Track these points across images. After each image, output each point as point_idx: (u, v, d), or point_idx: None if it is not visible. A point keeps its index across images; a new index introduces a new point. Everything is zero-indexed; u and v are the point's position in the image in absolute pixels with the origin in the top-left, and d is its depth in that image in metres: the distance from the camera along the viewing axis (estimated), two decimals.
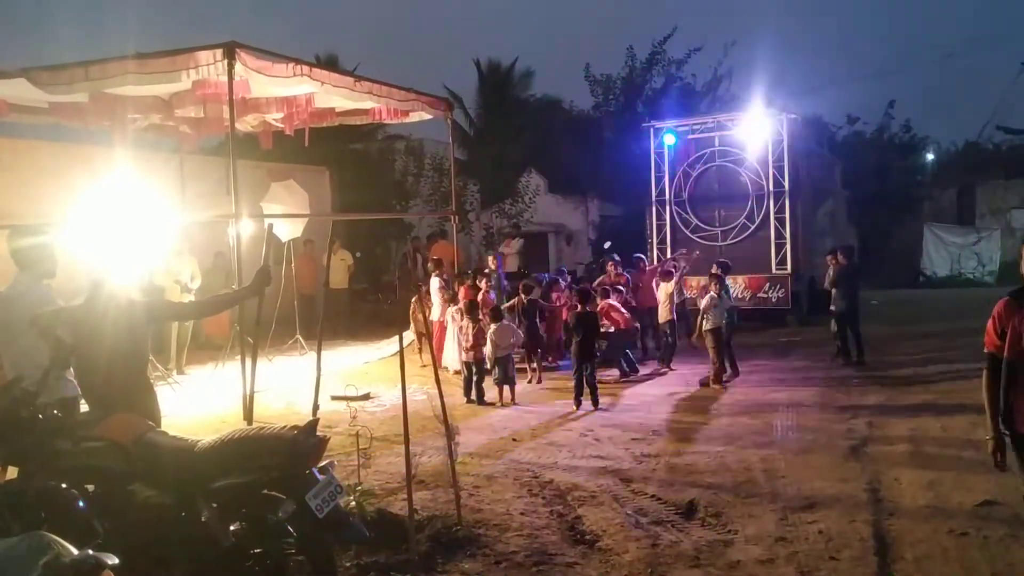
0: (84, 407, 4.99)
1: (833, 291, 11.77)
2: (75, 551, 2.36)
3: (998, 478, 6.30)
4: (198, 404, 9.73)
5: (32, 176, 11.91)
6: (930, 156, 36.22)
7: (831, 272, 12.05)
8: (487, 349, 9.84)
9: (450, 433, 5.54)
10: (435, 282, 12.38)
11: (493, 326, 9.92)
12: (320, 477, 3.99)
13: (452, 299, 11.15)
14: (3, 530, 3.83)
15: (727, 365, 10.71)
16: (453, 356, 11.23)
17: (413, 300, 11.43)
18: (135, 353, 5.04)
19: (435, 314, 12.00)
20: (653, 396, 10.20)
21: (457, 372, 10.97)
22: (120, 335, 4.97)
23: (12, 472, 4.34)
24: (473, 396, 9.85)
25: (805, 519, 5.64)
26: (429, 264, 13.58)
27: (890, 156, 30.48)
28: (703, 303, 10.71)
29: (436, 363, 6.04)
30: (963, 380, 10.16)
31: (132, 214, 9.31)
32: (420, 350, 12.24)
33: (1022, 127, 33.35)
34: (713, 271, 11.27)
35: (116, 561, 2.33)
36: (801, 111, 19.27)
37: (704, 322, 10.55)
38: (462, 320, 10.36)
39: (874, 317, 16.25)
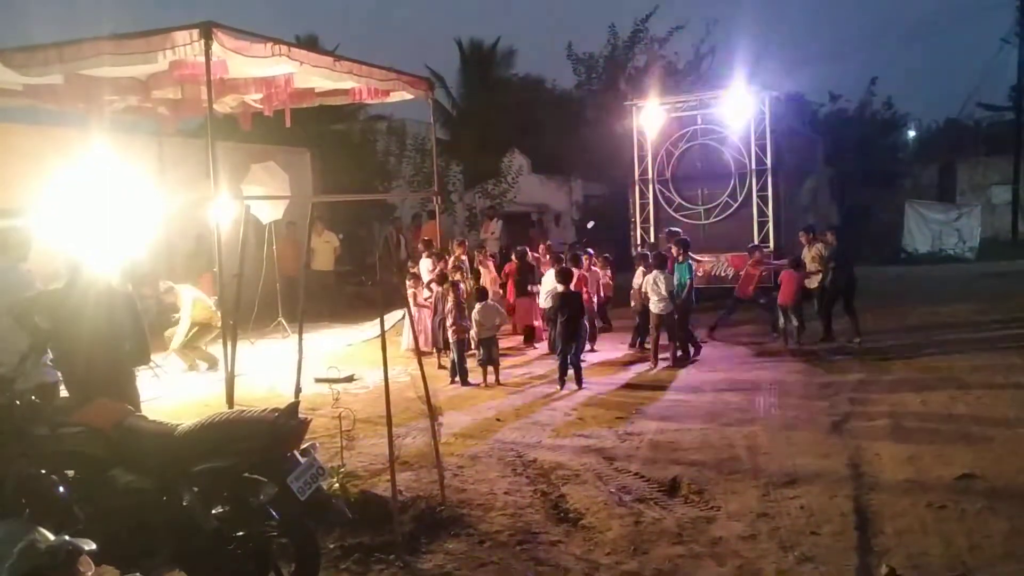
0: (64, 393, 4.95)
1: (827, 270, 11.72)
2: (52, 537, 2.34)
3: (977, 451, 6.42)
4: (180, 388, 9.68)
5: (6, 159, 11.74)
6: (911, 133, 36.44)
7: (808, 251, 12.09)
8: (472, 330, 9.82)
9: (433, 414, 5.54)
10: (426, 263, 12.31)
11: (478, 305, 9.89)
12: (302, 460, 3.98)
13: (441, 279, 11.04)
14: None
15: (679, 345, 10.83)
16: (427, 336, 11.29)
17: (408, 282, 11.39)
18: (114, 338, 5.01)
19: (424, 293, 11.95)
20: (637, 376, 10.23)
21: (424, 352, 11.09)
22: (99, 320, 4.94)
23: None
24: (457, 378, 9.84)
25: (787, 495, 5.68)
26: (420, 244, 13.50)
27: (872, 133, 30.59)
28: (645, 285, 10.81)
29: (418, 344, 6.02)
30: (943, 356, 10.28)
31: (110, 197, 9.22)
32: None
33: (1003, 103, 33.54)
34: (672, 250, 11.43)
35: (93, 547, 2.32)
36: (783, 89, 19.30)
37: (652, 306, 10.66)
38: (444, 300, 10.36)
39: (857, 292, 16.36)
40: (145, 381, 9.41)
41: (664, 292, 10.43)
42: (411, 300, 11.48)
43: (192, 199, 11.36)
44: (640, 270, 11.62)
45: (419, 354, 5.73)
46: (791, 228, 16.15)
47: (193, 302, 10.54)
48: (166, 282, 11.02)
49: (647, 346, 11.03)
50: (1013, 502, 5.37)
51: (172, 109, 12.43)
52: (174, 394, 9.32)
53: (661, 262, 10.76)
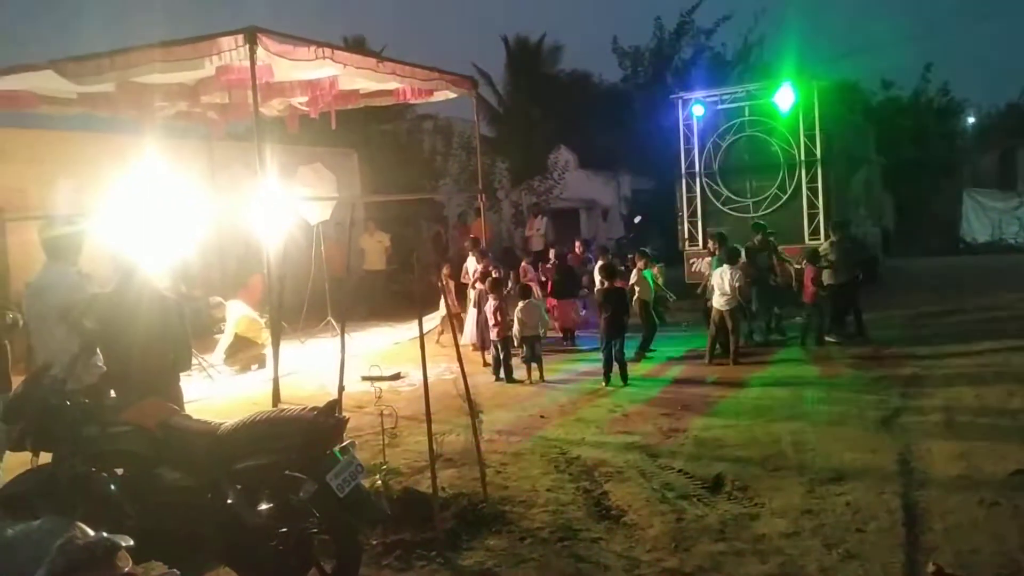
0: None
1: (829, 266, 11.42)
2: (92, 533, 2.41)
3: None
4: (231, 388, 9.88)
5: (63, 166, 12.09)
6: (970, 119, 35.40)
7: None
8: (515, 327, 9.84)
9: (473, 411, 5.57)
10: (471, 261, 12.35)
11: (521, 303, 9.91)
12: (340, 457, 4.04)
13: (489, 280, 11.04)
14: (36, 515, 3.94)
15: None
16: (471, 331, 11.39)
17: (443, 281, 11.47)
18: (160, 342, 5.13)
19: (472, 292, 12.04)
20: (682, 372, 10.15)
21: (475, 347, 11.11)
22: (146, 324, 5.07)
23: (45, 457, 4.45)
24: (502, 375, 9.87)
25: (833, 491, 5.59)
26: (467, 242, 13.54)
27: (927, 121, 29.81)
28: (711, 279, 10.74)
29: (457, 342, 6.05)
30: (1001, 349, 9.99)
31: (163, 201, 9.46)
32: (441, 331, 12.18)
33: None
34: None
35: (131, 542, 2.38)
36: (834, 77, 18.91)
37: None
38: (486, 298, 10.40)
39: (913, 284, 16.02)
40: (198, 381, 9.68)
41: (727, 288, 10.26)
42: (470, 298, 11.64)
43: (242, 201, 11.59)
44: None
45: (459, 351, 5.75)
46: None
47: (238, 320, 10.85)
48: (216, 297, 11.31)
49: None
50: None
51: (220, 113, 12.67)
52: (225, 393, 9.52)
53: (731, 256, 10.58)
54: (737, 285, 10.20)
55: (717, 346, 10.40)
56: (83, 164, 12.00)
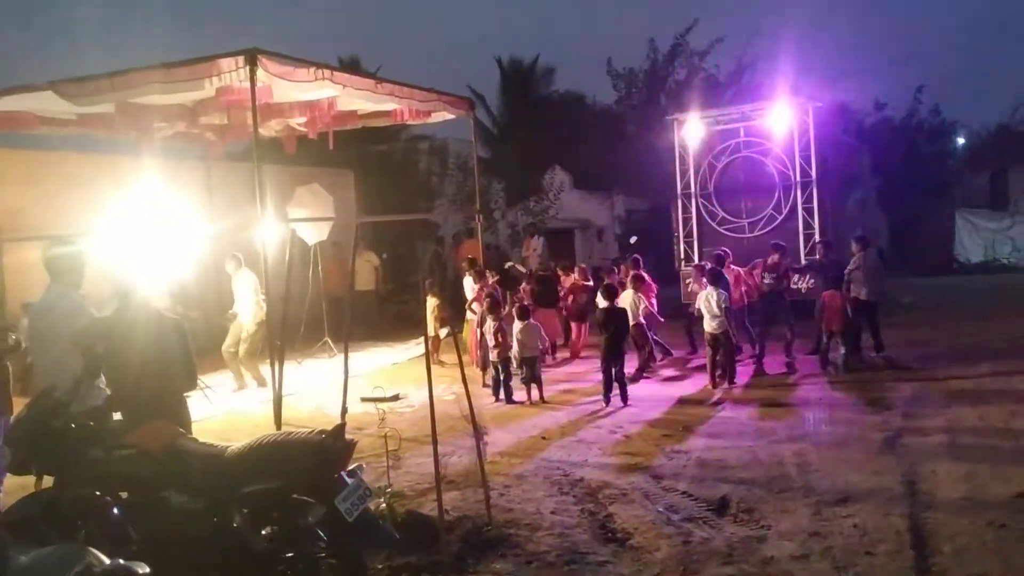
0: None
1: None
2: (107, 561, 2.38)
3: None
4: (229, 408, 9.81)
5: (61, 187, 12.07)
6: (961, 140, 35.61)
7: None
8: (514, 348, 9.81)
9: (478, 433, 5.54)
10: (468, 281, 12.32)
11: (519, 324, 9.88)
12: (349, 481, 4.00)
13: (488, 300, 11.01)
14: (41, 540, 3.89)
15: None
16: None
17: (434, 303, 11.48)
18: (164, 363, 5.10)
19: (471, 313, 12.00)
20: (683, 392, 10.12)
21: (476, 367, 11.10)
22: (149, 345, 5.04)
23: (48, 481, 4.40)
24: (502, 396, 9.83)
25: (839, 513, 5.57)
26: (463, 263, 13.53)
27: (919, 141, 29.97)
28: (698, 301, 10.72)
29: (462, 363, 6.02)
30: (1000, 370, 9.99)
31: (161, 222, 9.43)
32: (435, 350, 12.15)
33: None
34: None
35: (147, 570, 2.35)
36: (827, 98, 19.03)
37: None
38: (484, 320, 10.37)
39: (909, 304, 16.03)
40: (196, 402, 9.60)
41: (716, 310, 10.24)
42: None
43: (240, 222, 11.57)
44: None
45: (464, 373, 5.72)
46: (839, 240, 15.90)
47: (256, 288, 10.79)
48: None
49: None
50: None
51: (219, 134, 12.69)
52: (223, 414, 9.45)
53: (715, 278, 10.56)
54: (725, 307, 10.18)
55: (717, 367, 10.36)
56: (81, 184, 11.99)
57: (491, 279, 12.30)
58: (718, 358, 10.19)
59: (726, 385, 10.10)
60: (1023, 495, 5.68)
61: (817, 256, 11.80)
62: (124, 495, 4.26)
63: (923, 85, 30.11)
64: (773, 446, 7.33)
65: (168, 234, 9.46)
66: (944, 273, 23.60)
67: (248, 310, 10.86)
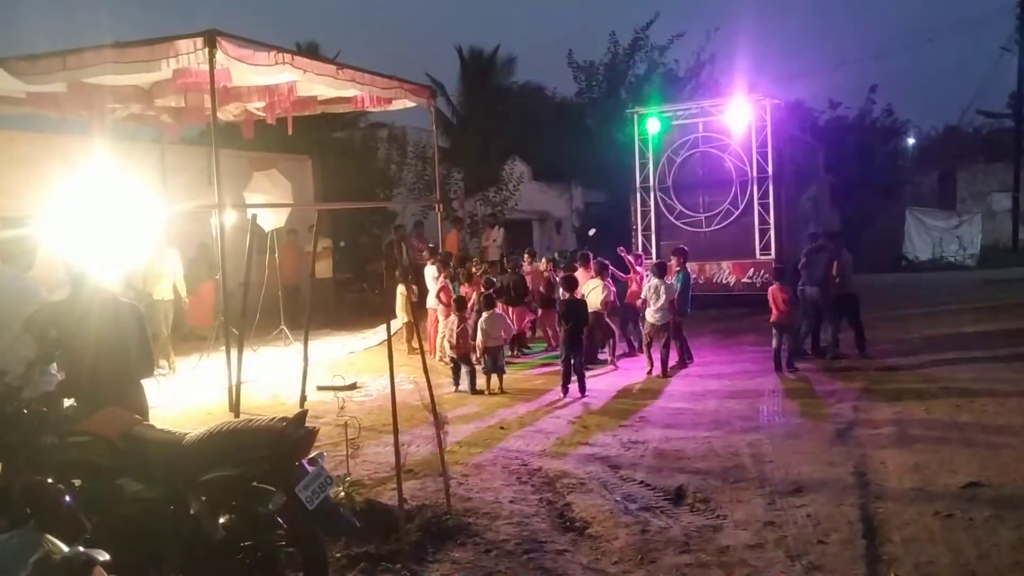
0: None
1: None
2: (65, 548, 2.33)
3: (982, 460, 6.41)
4: (184, 396, 9.66)
5: (10, 167, 11.74)
6: (911, 140, 36.42)
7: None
8: (477, 338, 9.80)
9: (439, 422, 5.53)
10: (431, 270, 12.26)
11: (485, 314, 9.88)
12: (310, 469, 3.97)
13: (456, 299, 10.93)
14: None
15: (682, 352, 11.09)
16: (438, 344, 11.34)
17: (401, 289, 11.40)
18: (120, 347, 5.00)
19: (430, 301, 11.95)
20: (639, 383, 10.22)
21: (443, 360, 11.04)
22: (104, 329, 4.93)
23: None
24: (464, 387, 9.80)
25: (793, 503, 5.67)
26: (424, 252, 13.46)
27: (872, 140, 30.58)
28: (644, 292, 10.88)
29: (423, 352, 6.01)
30: (946, 364, 10.26)
31: (113, 205, 9.23)
32: (409, 338, 12.19)
33: (1002, 111, 33.62)
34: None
35: (107, 557, 2.31)
36: (784, 96, 19.32)
37: None
38: (448, 315, 10.34)
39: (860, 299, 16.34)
40: (150, 388, 9.43)
41: (662, 302, 10.37)
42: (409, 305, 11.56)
43: (195, 207, 11.38)
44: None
45: (425, 363, 5.71)
46: (793, 235, 16.19)
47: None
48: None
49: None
50: (1021, 511, 5.34)
51: (175, 117, 12.45)
52: (176, 402, 9.30)
53: (661, 271, 10.70)
54: (672, 299, 10.33)
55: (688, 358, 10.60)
56: (29, 164, 11.67)
57: (476, 270, 12.29)
58: (657, 346, 10.53)
59: (661, 371, 10.40)
60: (970, 486, 5.84)
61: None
62: (77, 483, 4.17)
63: (876, 84, 30.74)
64: (729, 437, 7.44)
65: (121, 217, 9.26)
66: (893, 270, 24.13)
67: (169, 289, 10.87)
